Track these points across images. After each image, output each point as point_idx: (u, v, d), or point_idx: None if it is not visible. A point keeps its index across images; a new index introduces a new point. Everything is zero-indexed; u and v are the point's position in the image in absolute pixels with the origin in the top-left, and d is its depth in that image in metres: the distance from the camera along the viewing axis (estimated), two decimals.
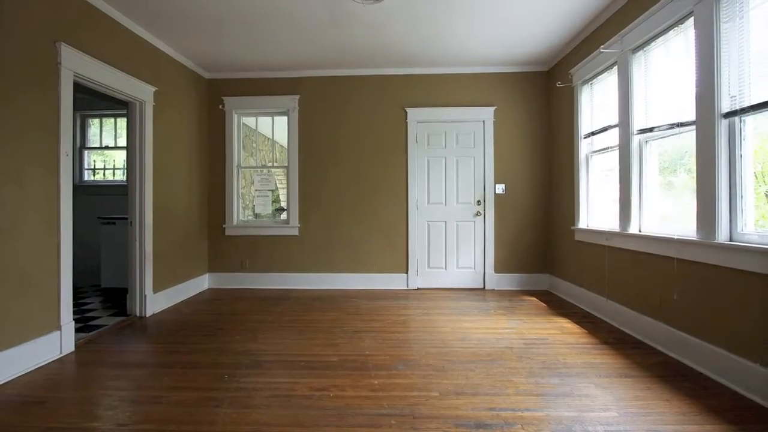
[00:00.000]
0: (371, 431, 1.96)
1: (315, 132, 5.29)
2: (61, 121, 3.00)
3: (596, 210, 4.15)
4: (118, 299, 4.68)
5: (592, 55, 3.88)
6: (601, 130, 3.96)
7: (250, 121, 5.68)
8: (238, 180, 5.42)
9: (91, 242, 5.42)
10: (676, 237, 2.82)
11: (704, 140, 2.56)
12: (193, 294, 4.99)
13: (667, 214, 3.17)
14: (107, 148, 5.94)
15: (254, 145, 5.93)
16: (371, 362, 2.80)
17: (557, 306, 4.33)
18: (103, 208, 5.62)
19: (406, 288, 5.23)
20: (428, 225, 5.25)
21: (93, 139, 5.95)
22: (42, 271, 2.87)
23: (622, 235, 3.45)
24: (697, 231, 2.63)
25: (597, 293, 3.93)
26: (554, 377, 2.53)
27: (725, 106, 2.46)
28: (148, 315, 4.03)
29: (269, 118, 5.53)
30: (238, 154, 5.42)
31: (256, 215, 5.59)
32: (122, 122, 5.84)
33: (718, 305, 2.48)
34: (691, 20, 2.70)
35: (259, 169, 5.57)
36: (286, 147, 5.38)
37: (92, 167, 5.97)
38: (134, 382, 2.53)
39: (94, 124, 5.94)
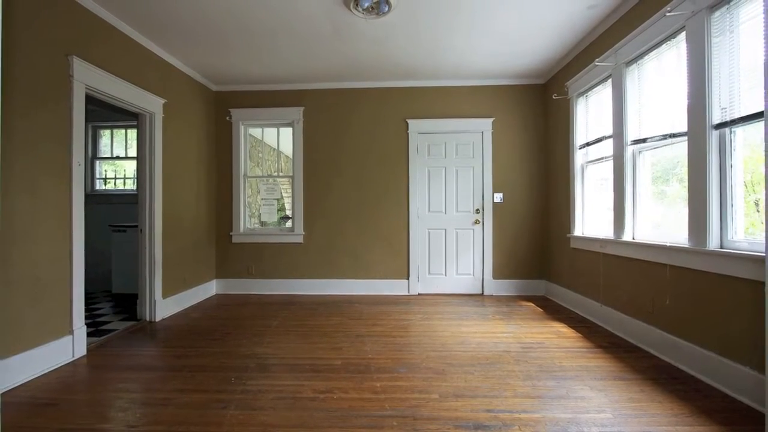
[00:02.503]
0: None
1: (319, 143, 5.40)
2: (73, 132, 3.06)
3: (591, 218, 4.21)
4: (128, 304, 4.76)
5: (587, 68, 3.96)
6: (595, 141, 4.03)
7: (256, 132, 5.79)
8: (244, 189, 5.53)
9: (103, 249, 5.52)
10: (668, 244, 2.88)
11: (696, 151, 2.62)
12: (201, 299, 5.08)
13: (659, 222, 3.22)
14: (118, 158, 6.07)
15: (260, 155, 6.03)
16: (373, 365, 2.86)
17: (553, 311, 4.38)
18: (114, 217, 5.74)
19: (407, 293, 5.30)
20: (428, 232, 5.34)
21: (104, 149, 6.07)
22: (55, 278, 2.93)
23: (617, 242, 3.51)
24: (689, 238, 2.68)
25: (592, 299, 3.98)
26: (550, 380, 2.58)
27: (716, 118, 2.52)
28: (157, 320, 4.10)
29: (275, 129, 5.65)
30: (244, 164, 5.54)
31: (262, 223, 5.69)
32: (133, 133, 5.96)
33: (710, 310, 2.53)
34: (683, 34, 2.76)
35: (265, 179, 5.68)
36: (291, 157, 5.50)
37: (103, 177, 6.09)
38: (144, 384, 2.58)
39: (105, 135, 6.06)
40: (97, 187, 6.03)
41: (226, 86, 5.42)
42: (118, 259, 5.17)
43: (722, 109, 2.50)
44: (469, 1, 3.29)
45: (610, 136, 3.71)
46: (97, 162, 6.04)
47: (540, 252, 5.25)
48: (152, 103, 4.07)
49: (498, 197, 5.25)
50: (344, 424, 2.07)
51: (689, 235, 2.69)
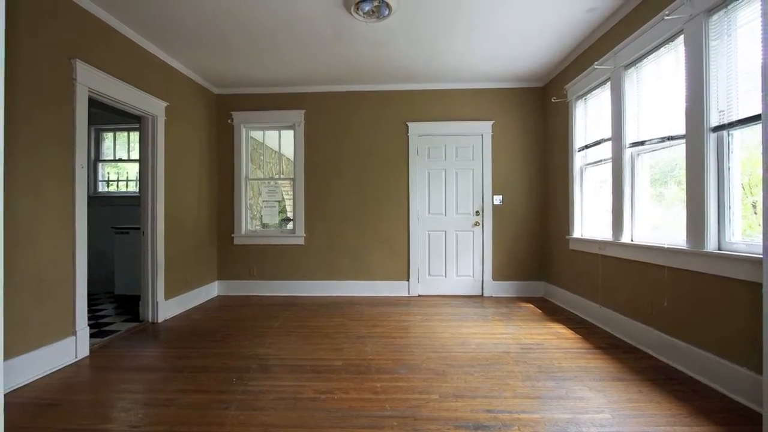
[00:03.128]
0: None
1: (320, 145, 5.43)
2: (76, 135, 3.08)
3: (590, 220, 4.23)
4: (131, 306, 4.78)
5: (586, 71, 3.99)
6: (594, 144, 4.06)
7: (257, 134, 5.83)
8: (246, 191, 5.56)
9: (105, 251, 5.56)
10: (666, 246, 2.89)
11: (694, 153, 2.64)
12: (203, 301, 5.10)
13: (658, 224, 3.24)
14: (120, 160, 6.10)
15: (262, 157, 6.07)
16: (374, 366, 2.88)
17: (553, 312, 4.40)
18: (116, 219, 5.76)
19: (407, 295, 5.32)
20: (429, 234, 5.36)
21: (107, 152, 6.10)
22: (58, 279, 2.95)
23: (615, 244, 3.53)
24: (687, 240, 2.70)
25: (591, 300, 4.00)
26: (550, 380, 2.60)
27: (714, 121, 2.53)
28: (159, 321, 4.12)
29: (276, 132, 5.69)
30: (246, 166, 5.57)
31: (264, 225, 5.72)
32: (135, 136, 6.00)
33: (707, 311, 2.55)
34: (681, 38, 2.78)
35: (266, 181, 5.72)
36: (293, 160, 5.53)
37: (106, 179, 6.12)
38: (146, 385, 2.60)
39: (108, 138, 6.09)
40: (100, 189, 6.06)
41: (228, 89, 5.45)
42: (120, 261, 5.20)
43: (720, 111, 2.51)
44: (469, 4, 3.32)
45: (608, 139, 3.73)
46: (100, 164, 6.07)
47: (539, 254, 5.27)
48: (154, 106, 4.10)
49: (498, 199, 5.27)
50: (345, 424, 2.09)
51: (687, 236, 2.71)
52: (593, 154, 4.13)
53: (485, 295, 5.26)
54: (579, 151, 4.35)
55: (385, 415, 2.17)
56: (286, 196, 5.89)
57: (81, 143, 3.15)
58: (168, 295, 4.32)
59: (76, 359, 3.06)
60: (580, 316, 4.19)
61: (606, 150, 3.83)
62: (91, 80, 3.23)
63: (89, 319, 4.03)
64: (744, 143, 2.46)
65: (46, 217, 2.86)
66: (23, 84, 2.67)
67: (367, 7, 3.26)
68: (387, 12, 3.35)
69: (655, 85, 3.19)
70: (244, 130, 5.54)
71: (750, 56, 2.34)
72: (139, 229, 4.35)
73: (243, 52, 4.27)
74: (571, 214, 4.43)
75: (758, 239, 2.30)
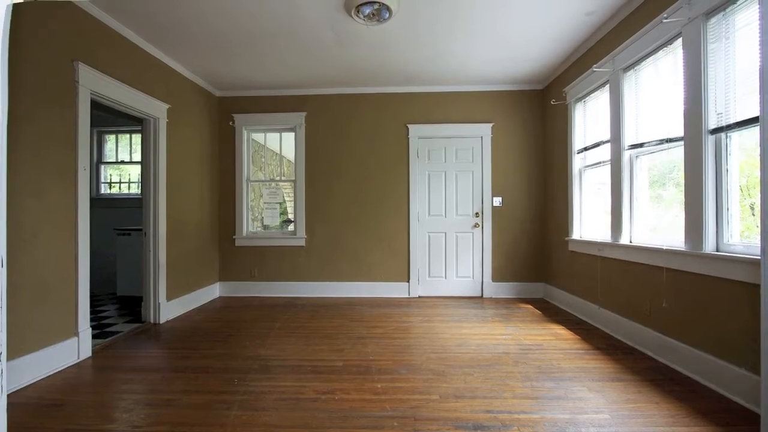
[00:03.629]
0: None
1: (321, 147, 5.46)
2: (78, 137, 3.10)
3: (589, 222, 4.24)
4: (133, 307, 4.80)
5: (585, 74, 4.00)
6: (593, 146, 4.07)
7: (258, 136, 5.86)
8: (247, 193, 5.59)
9: (108, 252, 5.58)
10: (665, 247, 2.91)
11: (692, 155, 2.65)
12: (205, 302, 5.12)
13: (656, 225, 3.26)
14: (123, 162, 6.13)
15: (263, 159, 6.10)
16: (374, 367, 2.89)
17: (552, 313, 4.41)
18: (118, 220, 5.79)
19: (407, 296, 5.34)
20: (429, 236, 5.38)
21: (109, 154, 6.13)
22: (60, 280, 2.97)
23: (614, 245, 3.54)
24: (686, 242, 2.71)
25: (590, 301, 4.01)
26: (549, 381, 2.61)
27: (712, 123, 2.54)
28: (161, 322, 4.14)
29: (277, 134, 5.70)
30: (247, 168, 5.59)
31: (265, 227, 5.73)
32: (137, 138, 6.03)
33: (706, 312, 2.56)
34: (680, 41, 2.79)
35: (267, 183, 5.75)
36: (294, 161, 5.55)
37: (108, 181, 6.15)
38: (148, 385, 2.61)
39: (110, 140, 6.13)
40: (102, 191, 6.09)
41: (229, 91, 5.48)
42: (122, 262, 5.22)
43: (718, 114, 2.52)
44: (468, 8, 3.34)
45: (607, 141, 3.75)
46: (102, 166, 6.10)
47: (539, 255, 5.28)
48: (156, 109, 4.12)
49: (497, 201, 5.29)
50: (345, 424, 2.10)
51: (686, 238, 2.72)
52: (592, 156, 4.15)
53: (485, 296, 5.27)
54: (578, 153, 4.37)
55: (386, 416, 2.18)
56: (287, 198, 5.91)
57: (83, 145, 3.17)
58: (170, 297, 4.33)
59: (79, 360, 3.07)
60: (580, 317, 4.20)
61: (605, 152, 3.84)
62: (93, 83, 3.25)
63: (91, 320, 4.06)
64: (742, 145, 2.47)
65: (48, 218, 2.87)
66: (26, 86, 2.69)
67: (367, 10, 3.28)
68: (387, 15, 3.37)
69: (654, 88, 3.20)
70: (245, 133, 5.57)
71: (748, 59, 2.34)
72: (141, 230, 4.38)
73: (244, 55, 4.29)
74: (571, 215, 4.45)
75: (756, 241, 2.32)
